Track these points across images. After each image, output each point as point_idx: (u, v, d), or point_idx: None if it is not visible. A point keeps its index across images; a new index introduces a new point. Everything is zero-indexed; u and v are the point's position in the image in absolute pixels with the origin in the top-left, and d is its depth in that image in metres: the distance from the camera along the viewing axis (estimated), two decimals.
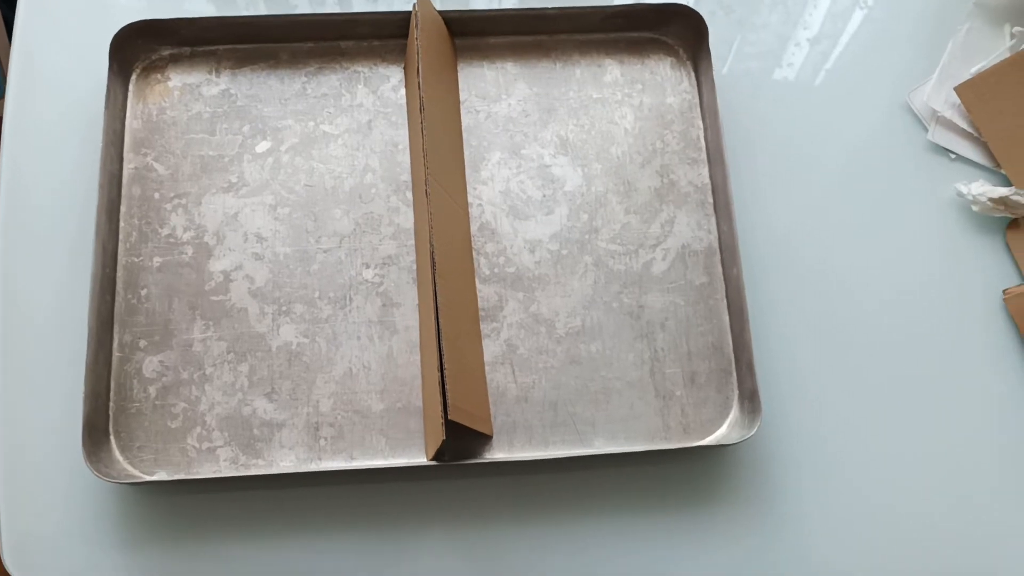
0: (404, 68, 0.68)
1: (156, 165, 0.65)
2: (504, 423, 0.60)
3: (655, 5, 0.68)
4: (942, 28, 0.72)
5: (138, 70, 0.67)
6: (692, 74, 0.69)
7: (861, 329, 0.64)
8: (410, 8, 0.65)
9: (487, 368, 0.61)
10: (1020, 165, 0.66)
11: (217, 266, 0.62)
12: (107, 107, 0.63)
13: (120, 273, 0.62)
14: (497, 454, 0.59)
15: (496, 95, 0.68)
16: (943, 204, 0.68)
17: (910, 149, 0.69)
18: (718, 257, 0.64)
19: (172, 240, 0.63)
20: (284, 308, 0.62)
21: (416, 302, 0.62)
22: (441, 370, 0.54)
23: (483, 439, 0.59)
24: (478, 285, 0.63)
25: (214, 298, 0.62)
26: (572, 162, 0.66)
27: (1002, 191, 0.65)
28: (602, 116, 0.68)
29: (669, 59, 0.69)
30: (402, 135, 0.66)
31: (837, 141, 0.69)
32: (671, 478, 0.60)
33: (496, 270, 0.63)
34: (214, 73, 0.67)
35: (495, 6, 0.74)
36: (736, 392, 0.61)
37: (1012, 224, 0.67)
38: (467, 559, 0.58)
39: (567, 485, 0.60)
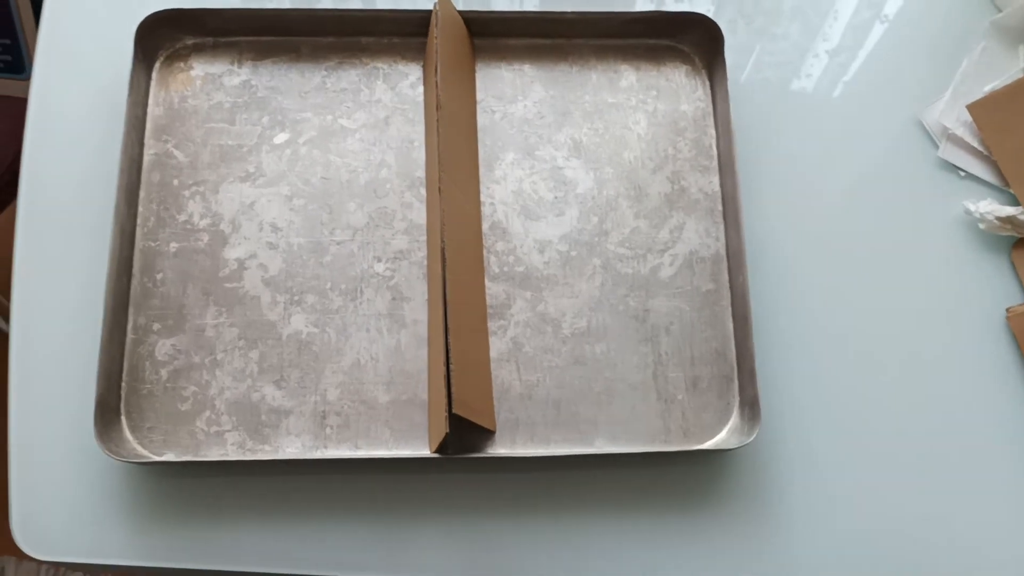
0: (423, 66, 0.69)
1: (176, 152, 0.66)
2: (507, 419, 0.61)
3: (672, 13, 0.69)
4: (958, 46, 0.73)
5: (162, 58, 0.68)
6: (707, 83, 0.69)
7: (864, 342, 0.65)
8: (431, 7, 0.66)
9: (492, 365, 0.62)
10: None
11: (232, 254, 0.63)
12: (130, 93, 0.64)
13: (137, 257, 0.63)
14: (499, 450, 0.60)
15: (512, 96, 0.69)
16: (950, 221, 0.68)
17: (920, 165, 0.70)
18: (725, 265, 0.65)
19: (189, 227, 0.64)
20: (296, 298, 0.63)
21: (426, 297, 0.63)
22: (447, 364, 0.55)
23: (486, 435, 0.60)
24: (487, 283, 0.64)
25: (228, 285, 0.63)
26: (585, 165, 0.67)
27: (1009, 210, 0.66)
28: (616, 121, 0.68)
29: (685, 67, 0.70)
30: (418, 132, 0.67)
31: (848, 154, 0.70)
32: (670, 480, 0.61)
33: (505, 269, 0.64)
34: (236, 64, 0.68)
35: (515, 8, 0.75)
36: (737, 398, 0.62)
37: (1018, 243, 0.67)
38: (465, 551, 0.59)
39: (567, 483, 0.60)
